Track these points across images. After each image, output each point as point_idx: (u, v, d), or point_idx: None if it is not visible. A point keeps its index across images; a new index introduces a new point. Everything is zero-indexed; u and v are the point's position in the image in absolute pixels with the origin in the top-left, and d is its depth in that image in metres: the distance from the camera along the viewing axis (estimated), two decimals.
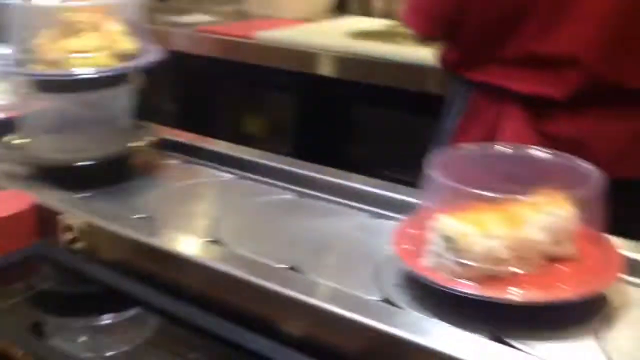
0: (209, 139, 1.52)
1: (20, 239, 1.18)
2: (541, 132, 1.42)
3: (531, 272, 0.92)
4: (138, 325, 1.09)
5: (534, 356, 0.83)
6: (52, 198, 1.21)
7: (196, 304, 1.01)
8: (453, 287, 0.90)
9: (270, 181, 1.35)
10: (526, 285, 0.90)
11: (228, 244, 1.11)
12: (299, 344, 0.92)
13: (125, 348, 1.03)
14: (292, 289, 0.93)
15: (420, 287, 0.95)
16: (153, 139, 1.41)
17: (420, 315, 0.91)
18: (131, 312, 1.10)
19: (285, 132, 2.57)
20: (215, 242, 1.12)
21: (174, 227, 1.16)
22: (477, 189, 0.91)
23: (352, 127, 2.43)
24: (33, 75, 1.30)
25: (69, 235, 1.14)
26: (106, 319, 1.11)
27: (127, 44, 1.33)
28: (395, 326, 0.86)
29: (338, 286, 0.97)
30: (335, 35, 2.47)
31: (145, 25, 1.37)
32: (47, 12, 1.34)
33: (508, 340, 0.86)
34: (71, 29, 1.28)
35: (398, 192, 1.23)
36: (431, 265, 0.94)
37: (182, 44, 2.63)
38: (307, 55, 2.36)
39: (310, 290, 0.94)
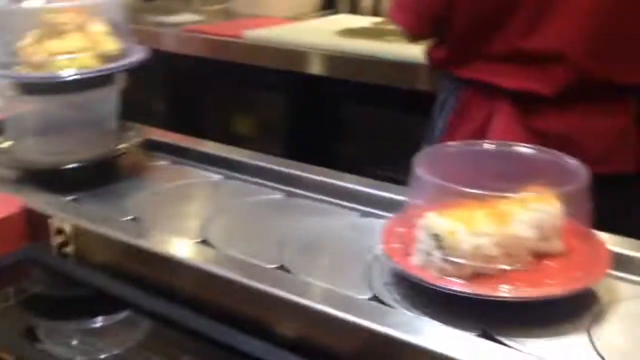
0: (198, 140, 1.51)
1: (10, 243, 1.17)
2: (530, 129, 1.43)
3: (520, 269, 0.93)
4: (130, 327, 1.08)
5: (525, 353, 0.84)
6: (40, 201, 1.21)
7: (188, 306, 1.01)
8: (442, 285, 0.91)
9: (259, 181, 1.35)
10: (515, 281, 0.91)
11: (218, 244, 1.11)
12: (291, 345, 0.92)
13: (117, 351, 1.02)
14: (283, 289, 0.94)
15: (410, 285, 0.95)
16: (141, 140, 1.41)
17: (411, 314, 0.91)
18: (123, 314, 1.09)
19: (275, 131, 2.56)
20: (205, 243, 1.12)
21: (164, 229, 1.16)
22: (464, 186, 0.91)
23: (342, 125, 2.43)
24: (17, 77, 1.29)
25: (60, 239, 1.14)
26: (98, 322, 1.10)
27: (111, 45, 1.33)
28: (386, 325, 0.86)
29: (328, 286, 0.98)
30: (324, 33, 2.47)
31: (128, 26, 1.37)
32: (30, 14, 1.34)
33: (499, 338, 0.87)
34: (55, 31, 1.28)
35: (388, 191, 1.23)
36: (420, 264, 0.94)
37: (170, 44, 2.63)
38: (295, 54, 2.36)
39: (302, 290, 0.94)
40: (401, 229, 1.01)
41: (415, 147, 1.14)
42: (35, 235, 1.18)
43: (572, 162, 1.01)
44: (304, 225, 1.18)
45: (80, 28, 1.30)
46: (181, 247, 1.08)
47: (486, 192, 0.92)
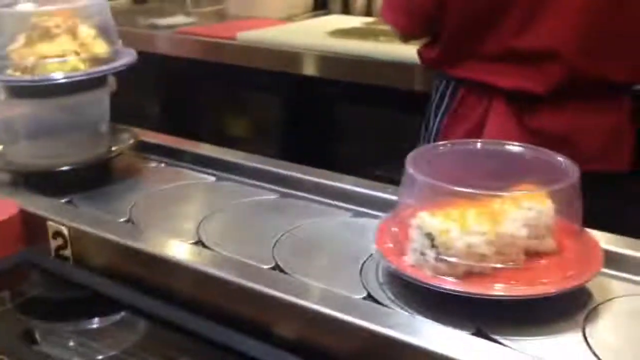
0: (191, 142, 1.52)
1: (8, 246, 1.17)
2: (525, 127, 1.43)
3: (513, 268, 0.93)
4: (127, 328, 1.08)
5: (519, 351, 0.84)
6: (36, 204, 1.21)
7: (184, 307, 1.01)
8: (436, 284, 0.91)
9: (254, 182, 1.35)
10: (508, 280, 0.91)
11: (213, 245, 1.11)
12: (288, 345, 0.93)
13: (114, 352, 1.02)
14: (279, 289, 0.94)
15: (404, 284, 0.96)
16: (134, 142, 1.41)
17: (406, 313, 0.92)
18: (120, 315, 1.10)
19: (269, 132, 2.57)
20: (200, 244, 1.12)
21: (159, 230, 1.17)
22: (456, 185, 0.92)
23: (335, 126, 2.43)
24: (7, 81, 1.30)
25: (58, 242, 1.14)
26: (95, 323, 1.11)
27: (101, 48, 1.33)
28: (381, 325, 0.86)
29: (323, 286, 0.98)
30: (317, 34, 2.47)
31: (117, 28, 1.38)
32: (20, 18, 1.34)
33: (493, 336, 0.87)
34: (45, 34, 1.28)
35: (383, 191, 1.23)
36: (414, 263, 0.95)
37: (163, 46, 2.63)
38: (288, 55, 2.36)
39: (298, 290, 0.94)
40: (395, 229, 1.01)
41: (409, 147, 1.15)
42: (33, 238, 1.18)
43: (562, 160, 1.01)
44: (299, 226, 1.18)
45: (70, 31, 1.31)
46: (177, 249, 1.08)
47: (478, 191, 0.93)
